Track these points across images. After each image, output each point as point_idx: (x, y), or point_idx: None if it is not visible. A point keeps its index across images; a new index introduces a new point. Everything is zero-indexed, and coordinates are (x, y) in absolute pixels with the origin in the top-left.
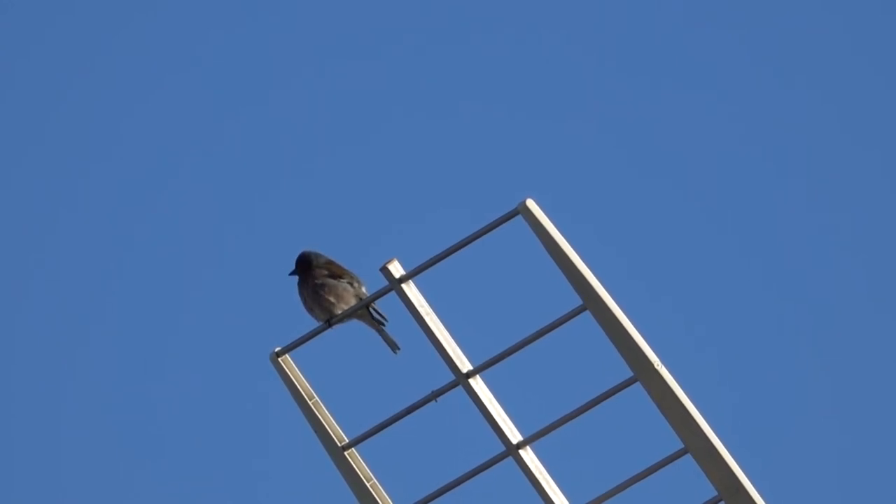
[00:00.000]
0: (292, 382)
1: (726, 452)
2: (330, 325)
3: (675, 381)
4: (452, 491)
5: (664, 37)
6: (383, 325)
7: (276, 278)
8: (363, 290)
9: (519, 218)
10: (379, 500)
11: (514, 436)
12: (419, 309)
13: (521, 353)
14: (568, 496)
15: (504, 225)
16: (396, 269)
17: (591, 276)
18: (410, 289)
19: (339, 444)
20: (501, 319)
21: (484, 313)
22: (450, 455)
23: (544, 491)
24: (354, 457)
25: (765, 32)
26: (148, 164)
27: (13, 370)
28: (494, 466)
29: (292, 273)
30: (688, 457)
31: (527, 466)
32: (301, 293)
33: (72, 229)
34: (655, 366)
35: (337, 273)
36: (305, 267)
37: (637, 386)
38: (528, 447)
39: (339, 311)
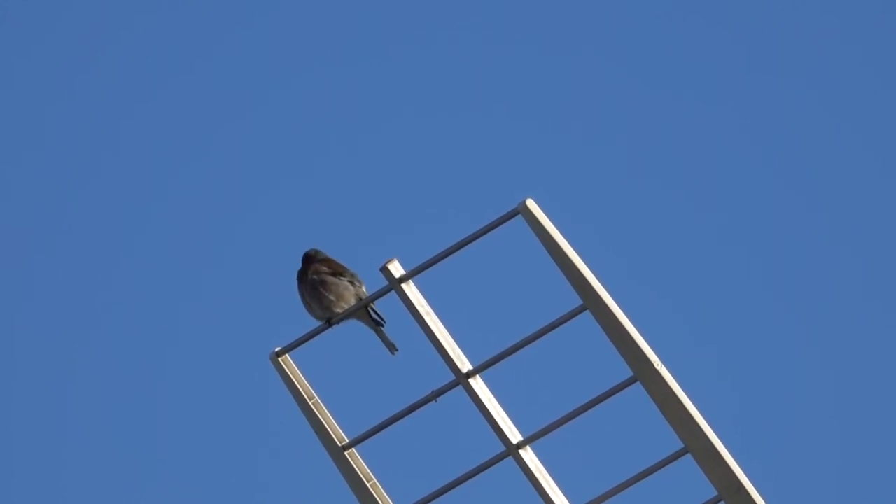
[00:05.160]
0: (292, 382)
1: (726, 452)
2: (330, 325)
3: (675, 382)
4: (452, 491)
5: (664, 38)
6: (382, 325)
7: (277, 278)
8: (363, 289)
9: (519, 218)
10: (379, 500)
11: (514, 436)
12: (419, 309)
13: (521, 353)
14: (568, 496)
15: (504, 225)
16: (396, 269)
17: (591, 276)
18: (410, 289)
19: (339, 444)
20: (501, 319)
21: (484, 313)
22: (450, 455)
23: (544, 491)
24: (354, 457)
25: (764, 33)
26: (149, 165)
27: (14, 370)
28: (494, 466)
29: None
30: (688, 457)
31: (527, 466)
32: (300, 290)
33: (72, 230)
34: (655, 366)
35: (337, 270)
36: (306, 263)
37: (637, 386)
38: (528, 447)
39: (339, 310)
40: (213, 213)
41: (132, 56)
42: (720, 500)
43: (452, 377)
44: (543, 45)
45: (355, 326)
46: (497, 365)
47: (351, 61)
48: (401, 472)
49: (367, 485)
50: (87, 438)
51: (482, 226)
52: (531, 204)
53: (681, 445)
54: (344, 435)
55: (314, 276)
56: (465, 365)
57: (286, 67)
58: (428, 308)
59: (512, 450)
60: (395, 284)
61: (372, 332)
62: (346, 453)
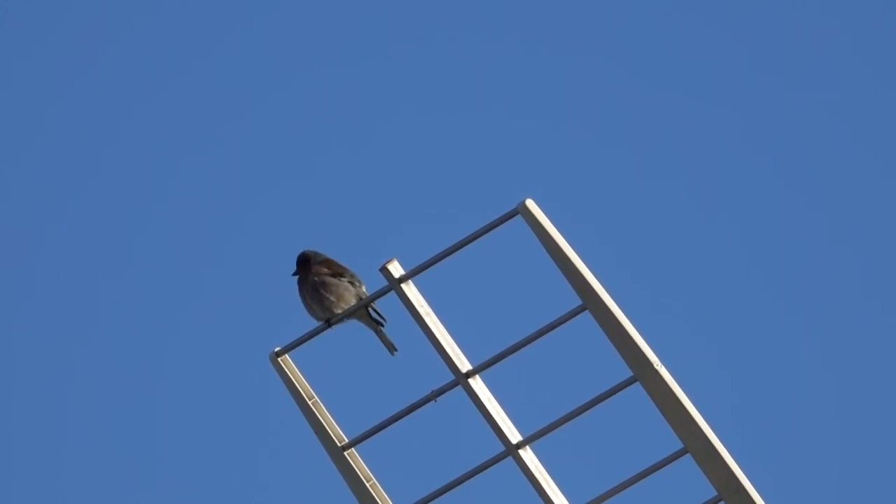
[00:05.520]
0: (292, 382)
1: (726, 452)
2: (330, 325)
3: (675, 382)
4: (452, 491)
5: (664, 38)
6: (382, 325)
7: (277, 278)
8: (363, 289)
9: (519, 218)
10: (379, 500)
11: (514, 436)
12: (419, 309)
13: (521, 353)
14: (568, 496)
15: (504, 225)
16: (396, 269)
17: (590, 276)
18: (410, 289)
19: (339, 444)
20: (501, 319)
21: (484, 313)
22: (450, 455)
23: (544, 491)
24: (354, 457)
25: (764, 34)
26: (149, 165)
27: (14, 370)
28: (494, 466)
29: (295, 273)
30: (688, 457)
31: (527, 466)
32: (301, 291)
33: (72, 230)
34: (655, 366)
35: (338, 271)
36: (305, 265)
37: (637, 386)
38: (528, 447)
39: (339, 311)
40: (214, 213)
41: (132, 56)
42: (720, 500)
43: (452, 377)
44: (543, 45)
45: (355, 326)
46: (497, 365)
47: (351, 61)
48: (401, 472)
49: (367, 485)
50: (87, 438)
51: (482, 226)
52: (531, 204)
53: (680, 445)
54: (344, 435)
55: (315, 278)
56: (464, 365)
57: (286, 67)
58: (428, 308)
59: (512, 450)
60: (394, 284)
61: (372, 332)
62: (345, 453)
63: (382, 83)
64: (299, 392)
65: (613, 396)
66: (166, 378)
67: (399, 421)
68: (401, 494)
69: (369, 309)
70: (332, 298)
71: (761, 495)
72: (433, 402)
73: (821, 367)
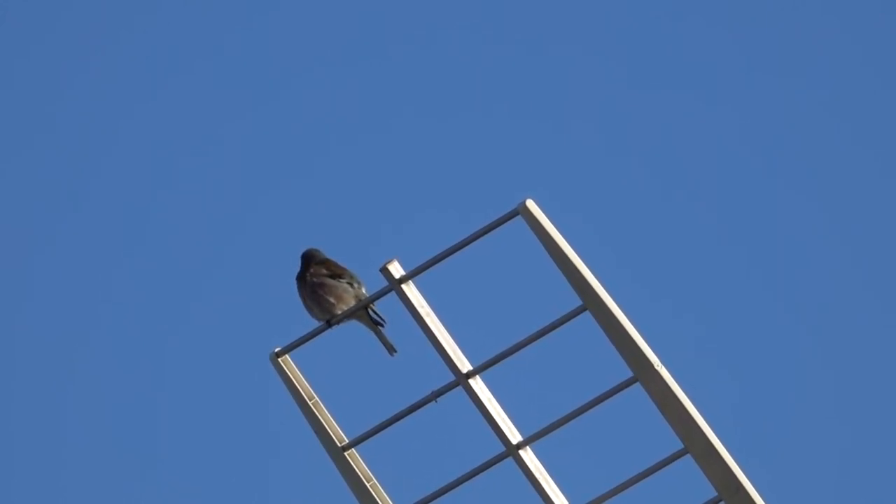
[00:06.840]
0: (292, 382)
1: (726, 452)
2: (330, 326)
3: (674, 382)
4: (452, 491)
5: (664, 38)
6: (382, 326)
7: (277, 278)
8: (363, 290)
9: (519, 218)
10: (379, 500)
11: (514, 436)
12: (419, 309)
13: (521, 353)
14: (568, 496)
15: (504, 225)
16: (396, 270)
17: (590, 277)
18: (410, 289)
19: (339, 444)
20: (501, 319)
21: (484, 313)
22: (450, 455)
23: (544, 491)
24: (354, 457)
25: (764, 33)
26: (149, 165)
27: (14, 370)
28: (494, 466)
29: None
30: (688, 457)
31: (527, 466)
32: (300, 292)
33: (73, 229)
34: (655, 366)
35: (336, 272)
36: (305, 265)
37: (637, 386)
38: (528, 447)
39: (339, 312)
40: (214, 212)
41: (132, 56)
42: (720, 500)
43: (452, 377)
44: (543, 45)
45: (355, 327)
46: (497, 365)
47: (351, 61)
48: (401, 472)
49: (367, 485)
50: (87, 438)
51: (482, 226)
52: (531, 204)
53: (680, 446)
54: (344, 435)
55: (314, 280)
56: (465, 365)
57: (286, 67)
58: (428, 308)
59: (512, 450)
60: (395, 285)
61: (372, 333)
62: (345, 453)
63: (382, 83)
64: (299, 392)
65: (613, 396)
66: (166, 378)
67: (399, 421)
68: (401, 494)
69: (369, 310)
70: (331, 300)
71: (761, 495)
72: (433, 402)
73: (821, 366)
